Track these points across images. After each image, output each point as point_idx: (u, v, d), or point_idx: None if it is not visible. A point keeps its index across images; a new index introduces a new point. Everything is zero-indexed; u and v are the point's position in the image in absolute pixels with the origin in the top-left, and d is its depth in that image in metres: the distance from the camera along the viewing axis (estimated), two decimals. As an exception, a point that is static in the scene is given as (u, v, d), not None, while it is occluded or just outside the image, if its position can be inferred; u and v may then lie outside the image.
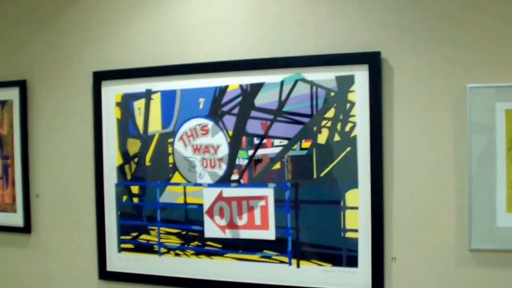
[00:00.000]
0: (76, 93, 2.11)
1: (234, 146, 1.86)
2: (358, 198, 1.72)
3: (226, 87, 1.86)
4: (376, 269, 1.71)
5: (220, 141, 1.87)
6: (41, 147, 2.18)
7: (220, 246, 1.90)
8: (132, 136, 2.00)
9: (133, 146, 2.00)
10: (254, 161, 1.84)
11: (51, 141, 2.16)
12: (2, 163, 2.24)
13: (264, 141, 1.82)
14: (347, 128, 1.73)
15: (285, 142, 1.80)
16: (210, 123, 1.88)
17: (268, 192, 1.82)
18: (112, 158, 2.03)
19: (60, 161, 2.15)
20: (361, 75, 1.71)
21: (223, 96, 1.86)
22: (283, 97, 1.80)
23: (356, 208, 1.72)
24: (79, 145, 2.11)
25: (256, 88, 1.82)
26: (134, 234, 2.02)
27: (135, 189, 2.00)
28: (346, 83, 1.73)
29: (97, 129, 2.04)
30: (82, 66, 2.10)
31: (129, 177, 2.01)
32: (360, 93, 1.71)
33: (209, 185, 1.89)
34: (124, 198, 2.02)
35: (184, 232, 1.94)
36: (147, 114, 1.97)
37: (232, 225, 1.87)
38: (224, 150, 1.87)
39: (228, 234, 1.88)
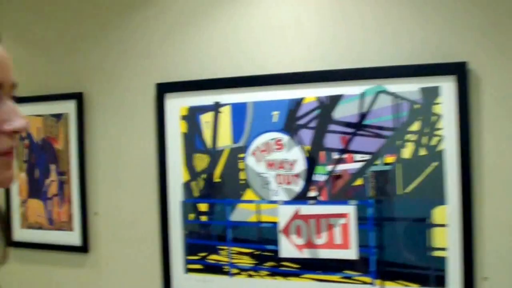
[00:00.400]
0: (137, 105, 2.04)
1: (312, 161, 1.78)
2: (446, 215, 1.65)
3: (302, 99, 1.78)
4: (467, 289, 1.64)
5: (296, 156, 1.80)
6: (99, 162, 2.11)
7: (297, 266, 1.82)
8: (199, 151, 1.93)
9: (201, 161, 1.93)
10: (333, 177, 1.76)
11: (110, 156, 2.09)
12: (58, 179, 2.16)
13: (344, 155, 1.74)
14: (433, 142, 1.66)
15: (367, 156, 1.72)
16: (285, 137, 1.81)
17: (349, 209, 1.75)
18: (177, 174, 1.95)
19: (120, 177, 2.07)
20: (447, 86, 1.64)
21: (298, 108, 1.79)
22: (364, 110, 1.72)
23: (444, 225, 1.65)
24: (140, 160, 2.03)
25: (335, 100, 1.75)
26: (202, 254, 1.93)
27: (203, 206, 1.93)
28: (431, 95, 1.66)
29: (160, 144, 1.97)
30: (144, 77, 2.02)
31: (196, 194, 1.94)
32: (446, 106, 1.64)
33: (285, 203, 1.82)
34: (191, 216, 1.95)
35: (257, 252, 1.86)
36: (215, 128, 1.90)
37: (310, 244, 1.80)
38: (300, 166, 1.80)
39: (305, 254, 1.80)
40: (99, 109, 2.11)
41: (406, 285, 1.69)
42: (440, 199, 1.65)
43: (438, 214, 1.65)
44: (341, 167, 1.75)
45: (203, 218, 1.93)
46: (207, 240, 1.93)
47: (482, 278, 1.64)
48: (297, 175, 1.80)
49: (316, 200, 1.78)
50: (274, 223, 1.83)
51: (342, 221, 1.75)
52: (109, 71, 2.10)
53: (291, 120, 1.80)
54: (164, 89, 1.97)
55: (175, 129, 1.96)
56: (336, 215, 1.76)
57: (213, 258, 1.92)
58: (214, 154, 1.90)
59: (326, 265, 1.78)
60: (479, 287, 1.64)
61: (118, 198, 2.09)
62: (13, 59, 0.82)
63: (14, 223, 2.25)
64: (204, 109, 1.92)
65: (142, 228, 2.04)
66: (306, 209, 1.79)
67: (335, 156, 1.76)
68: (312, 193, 1.78)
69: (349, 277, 1.75)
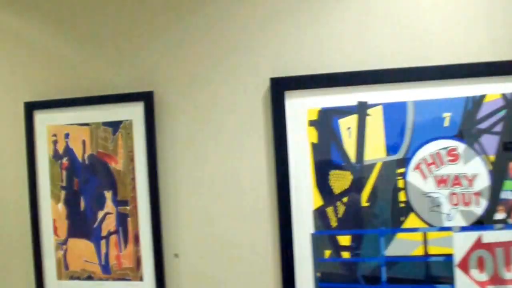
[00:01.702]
0: (239, 108, 1.52)
1: (498, 175, 1.40)
2: None
3: (483, 97, 1.41)
4: None
5: (476, 169, 1.41)
6: (179, 185, 1.56)
7: (479, 309, 1.45)
8: (337, 166, 1.47)
9: (340, 180, 1.48)
10: (527, 194, 1.43)
11: (196, 177, 1.56)
12: (117, 211, 1.58)
13: (541, 167, 1.42)
14: None
15: None
16: (460, 146, 1.42)
17: (549, 233, 1.42)
18: (304, 198, 1.47)
19: (212, 205, 1.54)
20: None
21: (478, 109, 1.41)
22: None
23: None
24: (247, 180, 1.52)
25: (527, 98, 1.43)
26: (346, 301, 1.49)
27: (344, 240, 1.47)
28: None
29: (279, 159, 1.48)
30: (248, 70, 1.52)
31: (334, 223, 1.47)
32: None
33: (463, 229, 1.42)
34: (327, 253, 1.48)
35: (424, 294, 1.46)
36: (361, 136, 1.46)
37: (496, 280, 1.41)
38: (483, 181, 1.41)
39: (490, 293, 1.44)
40: (178, 113, 1.56)
41: None
42: None
43: None
44: (537, 181, 1.43)
45: (345, 255, 1.48)
46: (350, 283, 1.48)
47: None
48: (478, 193, 1.42)
49: (504, 224, 1.42)
50: (448, 256, 1.43)
51: (539, 249, 1.42)
52: (193, 63, 1.55)
53: (468, 124, 1.41)
54: (282, 85, 1.47)
55: (301, 139, 1.48)
56: (531, 241, 1.43)
57: (361, 306, 1.49)
58: (360, 170, 1.46)
59: (519, 306, 1.44)
60: None
61: (209, 233, 1.54)
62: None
63: (46, 273, 1.62)
64: (343, 111, 1.47)
65: (252, 271, 1.52)
66: (491, 236, 1.41)
67: (530, 167, 1.43)
68: (499, 215, 1.42)
69: (549, 319, 1.43)
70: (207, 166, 1.54)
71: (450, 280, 1.42)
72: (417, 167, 1.44)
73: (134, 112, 1.56)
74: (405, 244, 1.44)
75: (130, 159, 1.56)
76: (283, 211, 1.48)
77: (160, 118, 1.57)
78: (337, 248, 1.47)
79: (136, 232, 1.55)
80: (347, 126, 1.47)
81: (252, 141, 1.52)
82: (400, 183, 1.44)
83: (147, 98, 1.55)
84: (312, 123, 1.48)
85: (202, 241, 1.54)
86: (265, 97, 1.51)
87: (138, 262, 1.56)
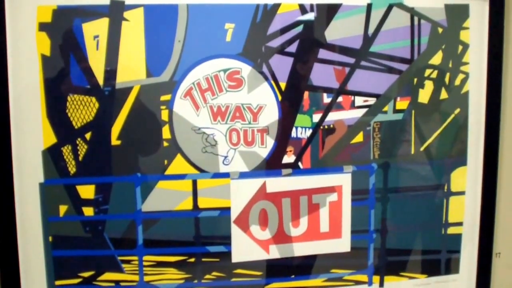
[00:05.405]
0: None
1: (289, 108, 1.09)
2: (466, 179, 1.23)
3: (277, 6, 1.08)
4: (482, 272, 1.26)
5: (264, 98, 1.08)
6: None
7: (259, 273, 1.15)
8: (78, 90, 1.03)
9: (82, 109, 1.04)
10: (322, 131, 1.14)
11: None
12: None
13: (340, 99, 1.14)
14: (457, 81, 1.19)
15: (371, 100, 1.15)
16: (245, 68, 1.07)
17: (344, 179, 1.15)
18: (31, 133, 1.02)
19: None
20: (478, 6, 1.16)
21: (270, 21, 1.08)
22: (371, 30, 1.13)
23: (463, 193, 1.23)
24: None
25: (329, 12, 1.09)
26: (88, 274, 1.09)
27: (87, 191, 1.06)
28: (458, 15, 1.16)
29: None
30: None
31: (72, 169, 1.05)
32: (476, 32, 1.17)
33: (243, 175, 1.11)
34: (63, 209, 1.06)
35: (192, 259, 1.12)
36: (113, 49, 1.02)
37: (281, 237, 1.13)
38: (271, 115, 1.09)
39: (273, 253, 1.14)
40: None
41: (413, 277, 1.22)
42: (461, 159, 1.21)
43: (458, 178, 1.20)
44: (334, 116, 1.13)
45: (88, 212, 1.07)
46: (94, 249, 1.10)
47: (495, 254, 1.30)
48: (264, 130, 1.11)
49: (294, 168, 1.14)
50: (224, 210, 1.11)
51: (331, 197, 1.15)
52: None
53: (256, 40, 1.07)
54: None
55: (25, 49, 1.00)
56: (323, 189, 1.15)
57: (109, 278, 1.11)
58: (110, 95, 1.03)
59: (305, 265, 1.18)
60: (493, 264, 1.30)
61: None
62: None
63: None
64: (89, 12, 1.01)
65: None
66: (278, 184, 1.11)
67: (326, 99, 1.14)
68: (288, 158, 1.13)
69: (337, 278, 1.19)
70: None
71: (225, 240, 1.13)
72: (188, 93, 1.07)
73: None
74: (168, 195, 1.08)
75: None
76: (-4, 152, 1.04)
77: None
78: (77, 203, 1.06)
79: None
80: (94, 33, 1.03)
81: None
82: (164, 115, 1.07)
83: None
84: (43, 27, 1.01)
85: None
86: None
87: None
